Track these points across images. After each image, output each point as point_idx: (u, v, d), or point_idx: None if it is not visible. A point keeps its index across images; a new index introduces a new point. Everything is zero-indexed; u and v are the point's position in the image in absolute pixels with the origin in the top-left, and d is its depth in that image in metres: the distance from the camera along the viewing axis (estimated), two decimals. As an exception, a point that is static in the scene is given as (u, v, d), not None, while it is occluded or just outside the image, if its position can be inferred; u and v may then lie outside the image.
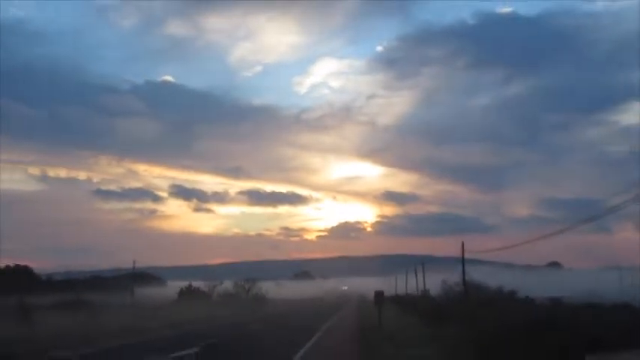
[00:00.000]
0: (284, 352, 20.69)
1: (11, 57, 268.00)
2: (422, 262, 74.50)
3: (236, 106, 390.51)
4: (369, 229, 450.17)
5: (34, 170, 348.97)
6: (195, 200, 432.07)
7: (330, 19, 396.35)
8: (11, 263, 77.56)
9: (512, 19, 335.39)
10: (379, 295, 33.64)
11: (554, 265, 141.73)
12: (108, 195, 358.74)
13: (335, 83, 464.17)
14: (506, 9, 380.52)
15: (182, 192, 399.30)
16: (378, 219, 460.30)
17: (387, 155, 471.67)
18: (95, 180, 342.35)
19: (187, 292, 66.57)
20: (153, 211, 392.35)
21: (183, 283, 72.36)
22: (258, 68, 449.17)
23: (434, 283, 64.88)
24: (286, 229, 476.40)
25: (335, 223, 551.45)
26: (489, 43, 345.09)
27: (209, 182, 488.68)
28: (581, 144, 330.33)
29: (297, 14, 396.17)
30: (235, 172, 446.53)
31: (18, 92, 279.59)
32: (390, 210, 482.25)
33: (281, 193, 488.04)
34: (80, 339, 23.74)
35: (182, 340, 23.83)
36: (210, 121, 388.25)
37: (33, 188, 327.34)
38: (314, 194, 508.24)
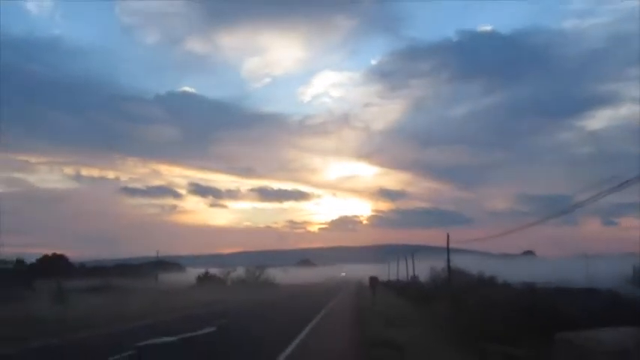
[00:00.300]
0: (297, 323, 20.82)
1: (50, 71, 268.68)
2: (412, 251, 74.48)
3: (247, 114, 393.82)
4: (364, 221, 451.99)
5: (69, 170, 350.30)
6: (210, 197, 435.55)
7: (331, 36, 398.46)
8: (49, 252, 77.69)
9: (491, 36, 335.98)
10: (373, 279, 33.72)
11: (529, 253, 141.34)
12: (134, 192, 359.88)
13: (335, 93, 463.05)
14: (485, 28, 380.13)
15: (199, 189, 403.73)
16: (373, 213, 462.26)
17: (381, 157, 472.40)
18: (123, 179, 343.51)
19: (205, 278, 66.58)
20: (173, 207, 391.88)
21: (201, 270, 72.36)
22: (267, 80, 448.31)
23: (423, 269, 64.88)
24: (291, 222, 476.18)
25: (335, 217, 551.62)
26: (471, 57, 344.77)
27: (223, 181, 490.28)
28: (551, 146, 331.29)
29: (301, 33, 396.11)
30: (246, 172, 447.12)
31: (55, 102, 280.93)
32: (383, 205, 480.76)
33: (287, 190, 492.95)
34: (108, 319, 23.77)
35: (202, 319, 23.94)
36: (224, 127, 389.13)
37: (68, 186, 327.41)
38: (316, 191, 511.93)
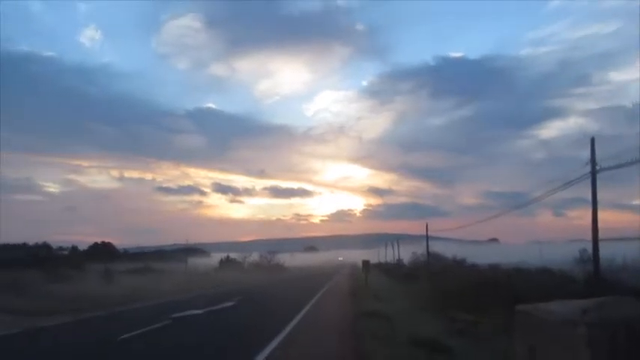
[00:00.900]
0: (303, 299, 20.90)
1: (100, 91, 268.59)
2: (397, 239, 74.45)
3: (260, 125, 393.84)
4: (358, 214, 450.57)
5: (115, 173, 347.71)
6: (230, 194, 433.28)
7: (330, 62, 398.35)
8: (98, 240, 77.59)
9: (462, 61, 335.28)
10: (366, 263, 33.59)
11: (494, 240, 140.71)
12: (167, 190, 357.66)
13: (333, 108, 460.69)
14: (457, 54, 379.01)
15: (221, 188, 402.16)
16: (365, 207, 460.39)
17: (371, 160, 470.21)
18: (158, 180, 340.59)
19: (226, 262, 66.26)
20: (199, 202, 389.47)
21: (223, 255, 72.03)
22: (277, 98, 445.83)
23: (406, 254, 64.80)
24: (297, 215, 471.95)
25: (333, 210, 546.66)
26: (445, 78, 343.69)
27: (241, 181, 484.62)
28: (512, 151, 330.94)
29: (305, 59, 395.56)
30: (259, 173, 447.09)
31: (104, 116, 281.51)
32: (373, 200, 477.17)
33: (293, 188, 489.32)
34: (147, 295, 23.78)
35: (226, 295, 23.97)
36: (241, 136, 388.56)
37: (114, 186, 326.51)
38: (317, 189, 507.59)
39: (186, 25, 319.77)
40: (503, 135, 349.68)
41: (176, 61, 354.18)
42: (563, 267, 24.55)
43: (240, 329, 12.96)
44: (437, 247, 47.01)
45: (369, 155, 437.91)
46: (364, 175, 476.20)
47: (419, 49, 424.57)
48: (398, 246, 71.48)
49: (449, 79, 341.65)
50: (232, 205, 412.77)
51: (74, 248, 69.57)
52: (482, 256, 43.65)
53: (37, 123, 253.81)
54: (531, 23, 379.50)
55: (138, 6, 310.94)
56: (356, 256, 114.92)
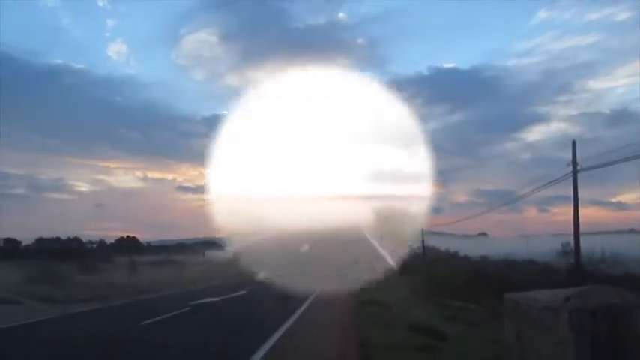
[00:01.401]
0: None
1: (125, 100, 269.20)
2: (395, 233, 74.03)
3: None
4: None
5: (139, 174, 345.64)
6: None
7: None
8: (124, 235, 77.63)
9: (454, 71, 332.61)
10: (366, 255, 33.44)
11: (483, 234, 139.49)
12: (186, 189, 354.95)
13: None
14: (449, 65, 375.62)
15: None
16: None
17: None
18: (178, 180, 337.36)
19: (239, 254, 65.74)
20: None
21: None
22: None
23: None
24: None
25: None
26: (438, 87, 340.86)
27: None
28: (500, 154, 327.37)
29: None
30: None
31: (129, 123, 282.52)
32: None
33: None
34: (169, 285, 23.79)
35: (238, 284, 23.96)
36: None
37: (138, 186, 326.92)
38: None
39: (203, 39, 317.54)
40: (492, 138, 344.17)
41: (194, 72, 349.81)
42: (548, 259, 24.40)
43: (263, 311, 12.97)
44: (432, 241, 46.86)
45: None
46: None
47: (414, 60, 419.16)
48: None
49: (442, 87, 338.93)
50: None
51: (102, 242, 69.75)
52: (473, 249, 43.45)
53: (68, 129, 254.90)
54: (517, 36, 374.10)
55: (159, 22, 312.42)
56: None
